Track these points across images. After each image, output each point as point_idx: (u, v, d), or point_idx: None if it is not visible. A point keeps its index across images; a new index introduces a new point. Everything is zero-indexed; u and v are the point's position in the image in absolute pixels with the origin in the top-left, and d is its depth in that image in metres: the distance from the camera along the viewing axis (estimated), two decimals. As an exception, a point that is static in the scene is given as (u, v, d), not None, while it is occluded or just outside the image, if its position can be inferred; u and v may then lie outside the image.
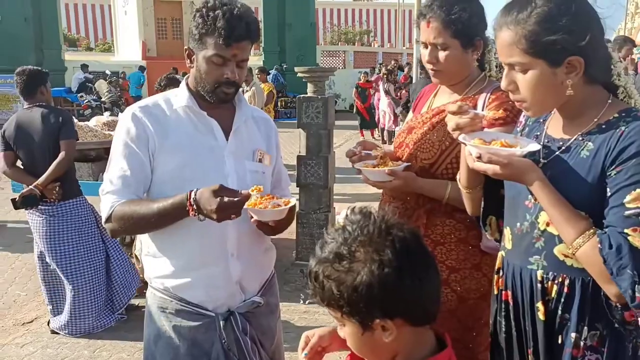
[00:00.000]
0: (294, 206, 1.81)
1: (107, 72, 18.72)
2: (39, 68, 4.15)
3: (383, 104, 11.69)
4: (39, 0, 18.41)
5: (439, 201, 1.99)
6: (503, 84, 1.50)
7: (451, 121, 1.64)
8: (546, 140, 1.55)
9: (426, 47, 1.95)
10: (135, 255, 4.28)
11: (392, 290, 1.09)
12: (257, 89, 8.66)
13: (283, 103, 18.13)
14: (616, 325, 1.43)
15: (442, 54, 1.91)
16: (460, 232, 1.99)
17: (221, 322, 1.77)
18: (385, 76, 12.54)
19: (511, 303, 1.60)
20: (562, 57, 1.40)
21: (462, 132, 1.60)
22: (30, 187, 3.79)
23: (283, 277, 4.77)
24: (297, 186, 5.10)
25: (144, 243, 1.88)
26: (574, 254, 1.41)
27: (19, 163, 4.02)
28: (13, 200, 3.89)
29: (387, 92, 11.49)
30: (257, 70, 10.36)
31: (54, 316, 4.01)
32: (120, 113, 7.53)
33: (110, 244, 4.13)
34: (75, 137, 4.03)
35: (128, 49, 25.78)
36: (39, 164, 3.86)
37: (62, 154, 3.82)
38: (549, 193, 1.43)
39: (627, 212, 1.33)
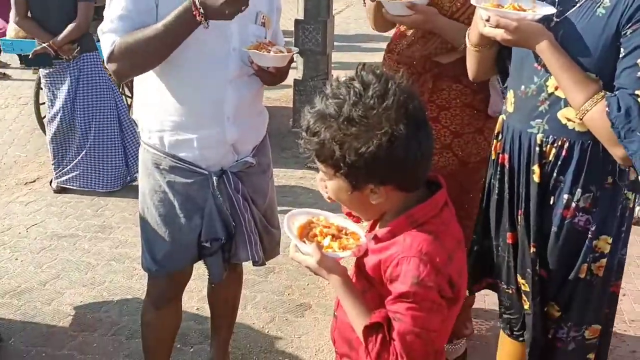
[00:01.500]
0: (292, 58, 1.78)
1: None
2: None
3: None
4: None
5: (446, 65, 1.92)
6: None
7: None
8: None
9: None
10: None
11: (396, 163, 1.09)
12: None
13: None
14: (619, 182, 1.46)
15: None
16: (467, 97, 1.96)
17: (214, 179, 1.80)
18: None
19: (507, 166, 1.63)
20: None
21: None
22: (44, 45, 3.74)
23: (280, 144, 4.81)
24: (294, 52, 4.97)
25: (139, 95, 1.84)
26: (581, 119, 1.40)
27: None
28: (25, 57, 3.84)
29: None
30: None
31: (60, 173, 4.07)
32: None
33: (121, 104, 4.12)
34: (93, 0, 3.93)
35: None
36: (52, 21, 3.78)
37: (81, 16, 3.77)
38: (559, 56, 1.39)
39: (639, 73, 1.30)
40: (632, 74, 1.31)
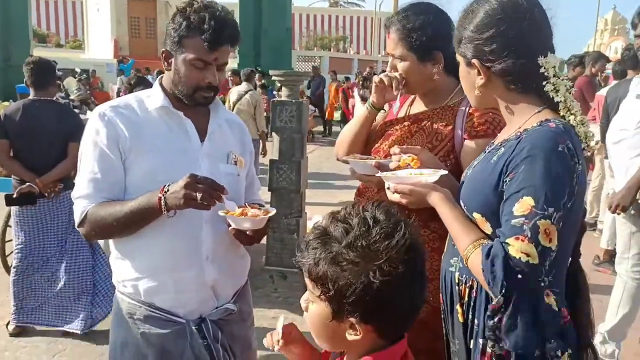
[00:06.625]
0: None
1: (77, 69, 18.29)
2: (50, 60, 4.06)
3: (358, 111, 11.78)
4: (8, -6, 17.90)
5: (414, 210, 1.97)
6: None
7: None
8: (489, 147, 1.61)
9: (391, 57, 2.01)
10: None
11: (384, 303, 1.07)
12: (258, 101, 7.60)
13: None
14: None
15: (399, 65, 1.96)
16: (435, 242, 1.97)
17: (193, 328, 1.72)
18: (360, 83, 12.71)
19: (442, 306, 1.64)
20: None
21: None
22: (29, 184, 3.71)
23: (252, 283, 4.67)
24: (268, 190, 5.05)
25: (112, 245, 1.82)
26: (466, 263, 1.43)
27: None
28: (7, 196, 3.79)
29: (363, 98, 11.62)
30: (229, 74, 9.81)
31: (21, 313, 3.85)
32: (89, 112, 7.37)
33: (96, 248, 4.01)
34: None
35: (99, 46, 25.36)
36: (39, 160, 3.76)
37: (73, 156, 3.63)
38: (449, 208, 1.50)
39: (513, 221, 1.33)
40: (508, 222, 1.35)
